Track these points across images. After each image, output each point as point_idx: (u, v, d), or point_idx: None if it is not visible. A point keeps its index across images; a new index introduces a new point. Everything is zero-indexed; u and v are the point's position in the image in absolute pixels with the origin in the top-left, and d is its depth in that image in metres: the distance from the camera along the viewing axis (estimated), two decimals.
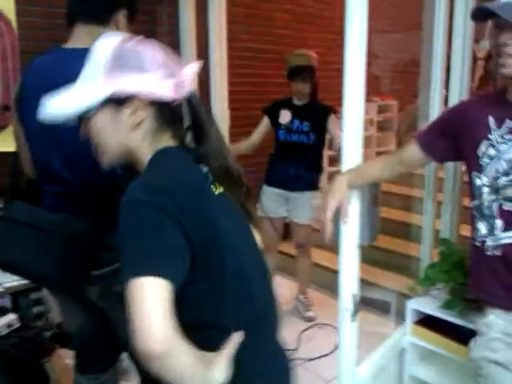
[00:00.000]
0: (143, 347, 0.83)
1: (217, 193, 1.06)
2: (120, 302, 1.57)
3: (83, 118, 1.07)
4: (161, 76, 1.03)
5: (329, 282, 3.76)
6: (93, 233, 1.51)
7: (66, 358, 2.33)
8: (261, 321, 1.11)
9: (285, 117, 3.22)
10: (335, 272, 3.55)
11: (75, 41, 1.56)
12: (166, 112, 1.06)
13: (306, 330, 3.26)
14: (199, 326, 1.03)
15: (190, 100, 1.08)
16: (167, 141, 1.08)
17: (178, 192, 0.96)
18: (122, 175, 1.51)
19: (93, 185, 1.51)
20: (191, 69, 1.08)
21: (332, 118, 3.17)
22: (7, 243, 1.54)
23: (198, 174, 1.06)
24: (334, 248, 3.65)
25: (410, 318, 2.09)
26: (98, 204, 1.52)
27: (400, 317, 2.29)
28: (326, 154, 4.34)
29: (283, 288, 3.71)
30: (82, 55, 1.49)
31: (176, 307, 0.91)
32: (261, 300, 1.12)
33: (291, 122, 3.21)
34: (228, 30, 3.15)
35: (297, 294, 3.55)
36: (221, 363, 0.99)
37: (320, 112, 3.20)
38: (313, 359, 2.92)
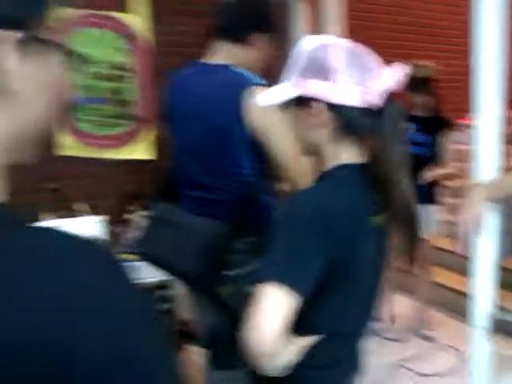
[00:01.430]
0: (251, 347, 0.93)
1: (374, 224, 1.08)
2: (250, 302, 1.66)
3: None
4: (348, 83, 1.03)
5: (449, 302, 3.59)
6: (227, 236, 1.61)
7: (192, 353, 2.45)
8: (351, 337, 1.17)
9: None
10: (456, 292, 3.45)
11: (213, 56, 1.68)
12: (349, 119, 1.06)
13: (424, 349, 3.15)
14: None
15: (383, 110, 1.05)
16: (350, 154, 1.09)
17: (338, 215, 1.01)
18: (255, 184, 1.61)
19: (229, 191, 1.62)
20: (388, 76, 1.06)
21: (448, 135, 3.09)
22: (155, 240, 1.68)
23: (362, 201, 1.07)
24: (455, 267, 3.52)
25: None
26: (232, 209, 1.62)
27: None
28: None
29: (402, 306, 3.61)
30: (219, 70, 1.62)
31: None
32: (360, 320, 1.18)
33: (414, 134, 3.14)
34: None
35: (416, 312, 3.44)
36: (292, 348, 1.05)
37: (438, 124, 3.12)
38: (429, 375, 2.82)
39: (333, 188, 1.06)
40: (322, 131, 1.08)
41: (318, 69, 1.04)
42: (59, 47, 0.53)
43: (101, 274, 0.46)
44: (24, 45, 0.48)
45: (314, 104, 1.05)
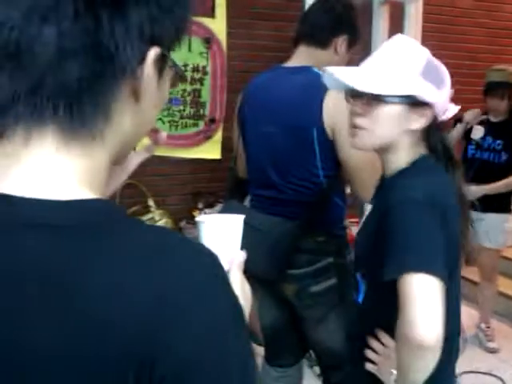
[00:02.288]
0: (419, 336, 0.92)
1: None
2: (315, 301, 1.69)
3: (365, 96, 1.10)
4: (447, 96, 1.09)
5: (511, 312, 3.50)
6: (296, 235, 1.64)
7: None
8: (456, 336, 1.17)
9: (477, 132, 3.09)
10: None
11: (295, 60, 1.72)
12: (432, 128, 1.12)
13: (485, 361, 3.07)
14: None
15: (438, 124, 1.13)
16: (422, 150, 1.14)
17: (447, 201, 1.03)
18: (328, 185, 1.64)
19: (301, 191, 1.65)
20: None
21: None
22: None
23: (452, 188, 1.11)
24: None
25: None
26: (304, 209, 1.65)
27: None
28: None
29: (464, 315, 3.53)
30: (299, 72, 1.66)
31: None
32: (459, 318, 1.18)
33: (483, 138, 3.06)
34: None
35: (478, 322, 3.35)
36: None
37: (510, 129, 3.02)
38: None
39: (434, 177, 1.08)
40: (409, 133, 1.11)
41: (437, 76, 1.07)
42: (175, 64, 0.58)
43: (202, 276, 0.48)
44: (158, 61, 0.54)
45: (422, 107, 1.07)
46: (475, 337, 3.30)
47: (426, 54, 1.10)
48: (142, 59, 0.51)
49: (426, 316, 0.92)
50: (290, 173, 1.66)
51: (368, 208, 1.31)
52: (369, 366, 1.16)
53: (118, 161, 0.59)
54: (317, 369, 2.32)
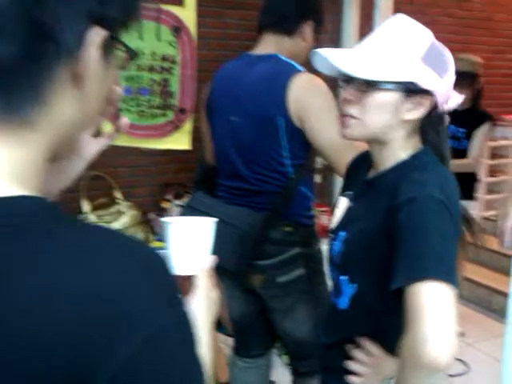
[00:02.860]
0: (433, 353, 0.81)
1: None
2: (282, 292, 1.70)
3: (362, 83, 1.00)
4: (450, 85, 1.02)
5: (476, 296, 3.63)
6: (262, 225, 1.64)
7: (218, 341, 2.52)
8: None
9: None
10: (487, 288, 3.42)
11: (261, 48, 1.71)
12: (431, 118, 1.04)
13: None
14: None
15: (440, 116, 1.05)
16: (418, 142, 1.07)
17: (456, 201, 0.95)
18: (295, 175, 1.64)
19: (268, 182, 1.65)
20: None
21: (484, 128, 3.05)
22: None
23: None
24: (486, 263, 3.48)
25: None
26: (268, 199, 1.66)
27: None
28: (486, 163, 4.12)
29: None
30: (265, 60, 1.66)
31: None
32: None
33: (447, 126, 3.11)
34: None
35: None
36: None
37: (477, 119, 3.08)
38: (455, 375, 2.83)
39: (441, 172, 0.99)
40: (405, 124, 1.03)
41: (440, 62, 1.00)
42: (126, 47, 0.54)
43: (137, 277, 0.44)
44: (106, 44, 0.50)
45: (420, 96, 0.99)
46: None
47: (429, 36, 1.02)
48: (86, 40, 0.48)
49: (444, 332, 0.81)
50: (256, 163, 1.65)
51: (342, 200, 1.21)
52: (353, 379, 1.07)
53: (62, 153, 0.55)
54: (286, 358, 2.35)
